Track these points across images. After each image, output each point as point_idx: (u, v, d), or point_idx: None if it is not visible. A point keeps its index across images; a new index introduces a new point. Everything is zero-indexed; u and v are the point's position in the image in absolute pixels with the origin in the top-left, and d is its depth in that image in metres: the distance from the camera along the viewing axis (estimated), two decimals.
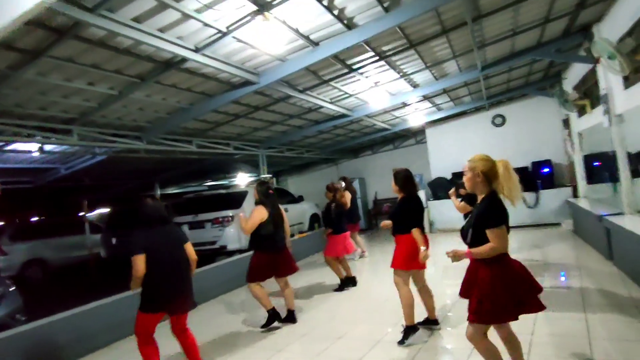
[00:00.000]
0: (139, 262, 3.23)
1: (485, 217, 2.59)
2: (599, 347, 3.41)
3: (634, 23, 4.77)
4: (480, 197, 2.71)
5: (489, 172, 2.63)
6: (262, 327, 4.74)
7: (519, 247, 7.64)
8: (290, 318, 4.86)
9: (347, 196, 7.48)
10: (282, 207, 12.00)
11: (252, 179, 15.80)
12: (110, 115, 5.89)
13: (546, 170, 10.58)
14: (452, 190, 4.58)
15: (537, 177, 10.53)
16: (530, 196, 10.28)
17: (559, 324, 3.98)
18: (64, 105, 5.16)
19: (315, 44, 4.87)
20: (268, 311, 4.73)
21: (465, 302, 2.76)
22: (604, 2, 5.40)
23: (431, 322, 4.15)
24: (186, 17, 3.70)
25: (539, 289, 2.63)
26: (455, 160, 11.41)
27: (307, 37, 4.67)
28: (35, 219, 12.81)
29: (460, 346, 3.63)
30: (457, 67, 7.12)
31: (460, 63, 6.91)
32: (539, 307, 2.59)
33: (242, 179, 15.81)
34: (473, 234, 2.65)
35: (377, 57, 5.81)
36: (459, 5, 4.53)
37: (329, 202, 6.59)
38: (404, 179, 4.00)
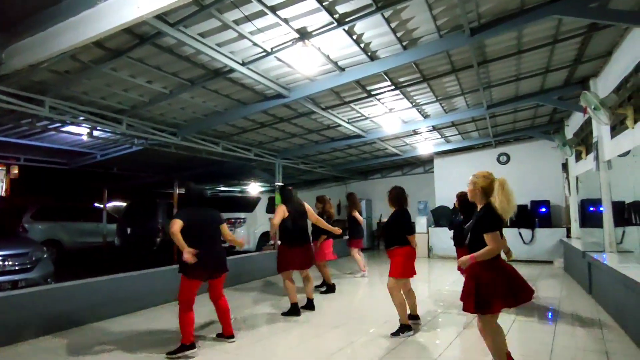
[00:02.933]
0: (176, 224, 3.87)
1: (483, 223, 3.09)
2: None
3: (619, 82, 5.51)
4: (479, 206, 3.24)
5: (487, 188, 3.16)
6: (282, 314, 5.47)
7: None
8: (310, 306, 5.68)
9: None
10: None
11: (264, 188, 16.57)
12: (155, 110, 6.69)
13: (544, 210, 11.13)
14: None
15: (535, 215, 11.10)
16: (526, 233, 10.83)
17: (527, 345, 4.57)
18: (121, 97, 5.97)
19: (342, 69, 5.65)
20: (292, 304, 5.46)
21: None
22: (599, 59, 6.14)
23: (413, 317, 4.82)
24: (241, 36, 4.51)
25: (529, 291, 3.12)
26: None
27: (335, 63, 5.46)
28: (58, 201, 13.57)
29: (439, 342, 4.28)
30: (465, 103, 7.86)
31: (468, 100, 7.65)
32: (525, 299, 3.09)
33: (255, 188, 16.57)
34: (472, 235, 3.16)
35: (393, 87, 6.58)
36: (467, 50, 5.32)
37: (318, 213, 7.24)
38: (398, 194, 4.76)
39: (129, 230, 13.43)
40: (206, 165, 11.79)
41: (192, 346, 3.92)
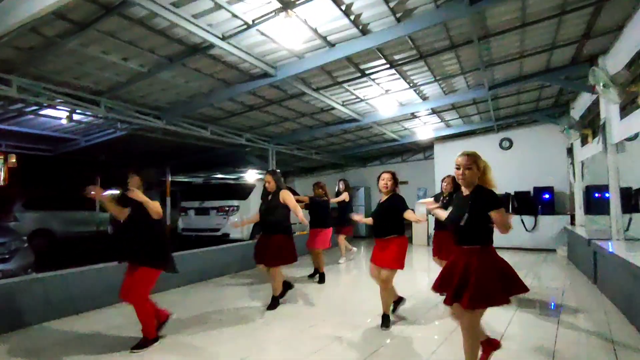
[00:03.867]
0: (159, 205, 3.66)
1: (489, 201, 2.76)
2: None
3: (630, 59, 5.10)
4: (467, 190, 2.91)
5: (485, 168, 2.92)
6: (268, 308, 5.05)
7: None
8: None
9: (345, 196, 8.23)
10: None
11: (261, 176, 16.23)
12: (135, 92, 6.31)
13: (547, 196, 10.80)
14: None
15: (537, 202, 10.77)
16: (529, 220, 10.50)
17: (529, 337, 4.27)
18: (96, 77, 5.60)
19: (332, 45, 5.25)
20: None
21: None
22: (609, 35, 5.70)
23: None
24: (218, 7, 4.11)
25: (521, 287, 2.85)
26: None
27: (324, 38, 5.06)
28: (48, 189, 13.28)
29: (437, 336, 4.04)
30: (465, 84, 7.44)
31: (468, 80, 7.23)
32: (523, 289, 2.83)
33: (251, 175, 16.23)
34: (470, 217, 2.80)
35: (388, 65, 6.17)
36: (466, 22, 4.90)
37: (322, 199, 7.24)
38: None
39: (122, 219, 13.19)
40: (198, 152, 11.47)
41: (157, 339, 3.79)
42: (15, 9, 3.57)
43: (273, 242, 4.97)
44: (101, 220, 13.72)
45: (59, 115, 6.85)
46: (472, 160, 2.88)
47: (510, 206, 11.10)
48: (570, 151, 10.15)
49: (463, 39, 5.47)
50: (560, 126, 9.72)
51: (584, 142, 8.35)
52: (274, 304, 5.07)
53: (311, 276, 6.99)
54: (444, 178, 5.84)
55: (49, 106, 6.09)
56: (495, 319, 4.54)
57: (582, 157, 8.83)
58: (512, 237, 10.54)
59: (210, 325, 4.48)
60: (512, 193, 11.09)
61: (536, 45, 5.99)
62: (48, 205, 12.38)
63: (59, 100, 5.82)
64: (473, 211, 2.81)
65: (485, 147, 11.86)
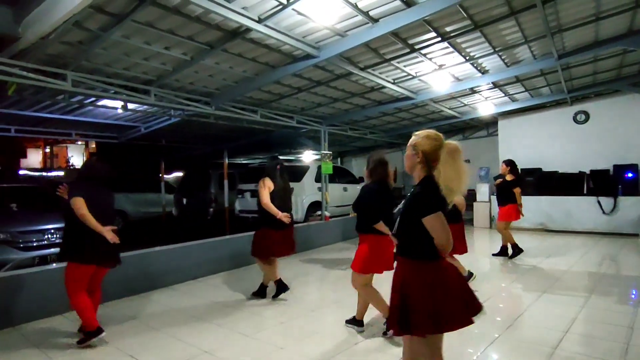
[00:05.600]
0: (81, 203, 3.42)
1: (420, 202, 2.16)
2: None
3: None
4: (416, 180, 2.29)
5: (430, 155, 2.22)
6: (273, 296, 4.87)
7: (585, 255, 7.17)
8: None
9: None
10: (341, 186, 12.25)
11: (317, 156, 16.20)
12: (183, 79, 6.41)
13: (630, 175, 9.66)
14: None
15: (618, 181, 9.68)
16: (607, 201, 9.48)
17: (597, 336, 3.83)
18: (144, 67, 5.74)
19: (375, 20, 4.90)
20: (275, 282, 4.86)
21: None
22: None
23: (356, 323, 3.86)
24: None
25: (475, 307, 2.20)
26: (528, 156, 10.86)
27: (365, 13, 4.73)
28: (120, 173, 14.27)
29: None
30: (530, 54, 6.69)
31: (533, 49, 6.49)
32: (467, 322, 2.15)
33: (309, 156, 16.26)
34: (400, 222, 2.24)
35: (439, 38, 5.67)
36: None
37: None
38: (376, 162, 3.77)
39: (184, 201, 13.89)
40: (253, 134, 11.63)
41: (99, 331, 3.55)
42: (59, 5, 3.71)
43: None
44: (166, 202, 14.54)
45: (115, 105, 7.19)
46: (410, 142, 2.31)
47: (585, 186, 10.09)
48: None
49: (524, 3, 4.86)
50: None
51: None
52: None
53: None
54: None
55: (104, 97, 6.38)
56: (559, 313, 4.15)
57: None
58: (586, 219, 9.80)
59: (261, 309, 4.59)
60: (588, 172, 10.07)
61: (616, 4, 5.18)
62: (121, 187, 13.32)
63: (112, 92, 6.08)
64: (404, 213, 2.23)
65: (558, 121, 10.89)
